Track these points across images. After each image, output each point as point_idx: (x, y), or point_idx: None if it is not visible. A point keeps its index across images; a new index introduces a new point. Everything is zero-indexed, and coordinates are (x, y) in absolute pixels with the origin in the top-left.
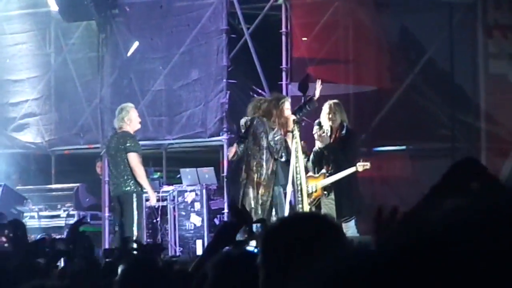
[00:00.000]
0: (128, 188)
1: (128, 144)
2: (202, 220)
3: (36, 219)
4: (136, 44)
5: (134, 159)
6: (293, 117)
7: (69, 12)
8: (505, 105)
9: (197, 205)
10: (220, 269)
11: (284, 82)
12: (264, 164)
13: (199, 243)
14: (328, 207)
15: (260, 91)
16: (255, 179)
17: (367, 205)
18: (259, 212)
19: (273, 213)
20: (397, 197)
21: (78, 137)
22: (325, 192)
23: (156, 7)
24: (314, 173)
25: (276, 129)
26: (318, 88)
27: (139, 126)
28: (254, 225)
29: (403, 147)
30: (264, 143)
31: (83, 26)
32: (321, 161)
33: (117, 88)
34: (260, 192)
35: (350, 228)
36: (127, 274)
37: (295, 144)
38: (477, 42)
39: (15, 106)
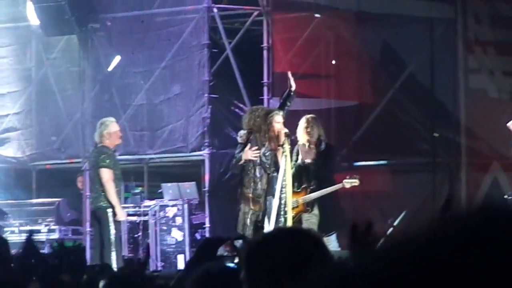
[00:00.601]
0: (102, 203)
1: (100, 159)
2: (184, 235)
3: (17, 234)
4: (117, 58)
5: (104, 175)
6: (285, 130)
7: (50, 27)
8: (485, 120)
9: (178, 220)
10: (199, 285)
11: (265, 97)
12: (258, 180)
13: (180, 258)
14: (309, 221)
15: (241, 105)
16: (249, 195)
17: (348, 219)
18: (249, 226)
19: (266, 223)
20: (378, 211)
21: (59, 151)
22: (308, 208)
23: (138, 22)
24: (294, 187)
25: (266, 144)
26: (291, 79)
27: (119, 141)
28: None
29: (384, 161)
30: (257, 159)
31: (64, 40)
32: (301, 175)
33: (98, 102)
34: (253, 207)
35: (331, 243)
36: None
37: (284, 158)
38: (457, 57)
39: None
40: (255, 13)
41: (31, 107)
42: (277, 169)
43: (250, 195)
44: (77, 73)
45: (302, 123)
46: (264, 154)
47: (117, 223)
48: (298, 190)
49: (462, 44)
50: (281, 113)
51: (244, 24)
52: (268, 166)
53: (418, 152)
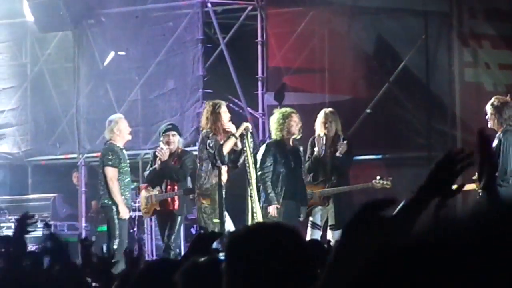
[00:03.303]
0: (106, 200)
1: (105, 158)
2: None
3: (12, 229)
4: (112, 54)
5: (108, 173)
6: (247, 124)
7: (45, 23)
8: (481, 113)
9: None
10: (188, 276)
11: (260, 92)
12: (203, 174)
13: None
14: (320, 214)
15: (236, 100)
16: (197, 190)
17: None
18: (206, 220)
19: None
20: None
21: (54, 147)
22: (326, 202)
23: (132, 17)
24: (310, 179)
25: (211, 135)
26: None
27: (129, 137)
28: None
29: (379, 156)
30: (204, 154)
31: (59, 36)
32: (317, 168)
33: (93, 98)
34: (204, 201)
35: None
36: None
37: (247, 152)
38: (452, 50)
39: None
40: (249, 7)
41: (26, 103)
42: (232, 161)
43: (197, 190)
44: (72, 69)
45: (321, 117)
46: (209, 145)
47: (122, 220)
48: (315, 183)
49: (457, 37)
50: (225, 104)
51: (238, 19)
52: (215, 158)
53: (413, 146)
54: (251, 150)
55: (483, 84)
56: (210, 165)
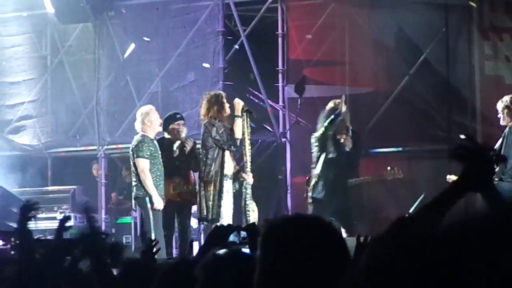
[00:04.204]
0: (140, 192)
1: (137, 149)
2: (198, 222)
3: (32, 221)
4: (132, 46)
5: (140, 164)
6: (242, 103)
7: (65, 14)
8: None
9: (193, 207)
10: (209, 270)
11: (280, 84)
12: (209, 162)
13: (195, 245)
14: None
15: (256, 92)
16: (203, 178)
17: (365, 206)
18: (209, 210)
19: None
20: (393, 198)
21: (74, 139)
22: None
23: (153, 9)
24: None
25: (216, 123)
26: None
27: (160, 128)
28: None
29: (400, 148)
30: (209, 143)
31: (79, 28)
32: None
33: (113, 90)
34: (209, 190)
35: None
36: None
37: (245, 132)
38: (473, 43)
39: (12, 108)
40: (270, 0)
41: (47, 95)
42: (234, 144)
43: (204, 178)
44: (92, 61)
45: (329, 107)
46: (216, 132)
47: (156, 211)
48: None
49: (478, 30)
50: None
51: (259, 11)
52: (223, 142)
53: (433, 139)
54: (249, 130)
55: (503, 77)
56: (215, 153)
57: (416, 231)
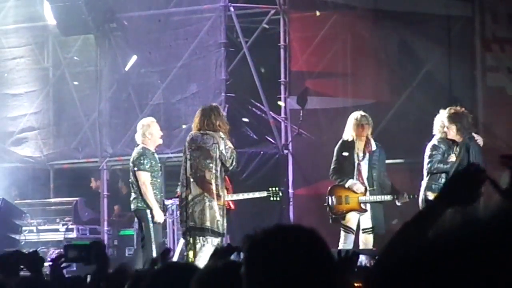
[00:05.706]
0: (140, 204)
1: (138, 162)
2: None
3: (35, 233)
4: (134, 58)
5: (141, 177)
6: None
7: (67, 26)
8: (503, 117)
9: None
10: (202, 282)
11: (282, 96)
12: (218, 175)
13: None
14: (355, 218)
15: (258, 104)
16: (214, 191)
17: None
18: (224, 223)
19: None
20: (396, 210)
21: (76, 151)
22: (365, 208)
23: (154, 21)
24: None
25: (225, 138)
26: None
27: (160, 141)
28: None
29: (402, 160)
30: (216, 154)
31: (81, 40)
32: (348, 171)
33: (115, 102)
34: (219, 203)
35: (371, 241)
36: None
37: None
38: (475, 55)
39: (14, 120)
40: (272, 11)
41: (49, 107)
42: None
43: (216, 191)
44: (94, 73)
45: (352, 119)
46: (224, 147)
47: (157, 224)
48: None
49: (480, 42)
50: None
51: (261, 23)
52: (227, 159)
53: None
54: None
55: (505, 89)
56: (221, 165)
57: (420, 240)
